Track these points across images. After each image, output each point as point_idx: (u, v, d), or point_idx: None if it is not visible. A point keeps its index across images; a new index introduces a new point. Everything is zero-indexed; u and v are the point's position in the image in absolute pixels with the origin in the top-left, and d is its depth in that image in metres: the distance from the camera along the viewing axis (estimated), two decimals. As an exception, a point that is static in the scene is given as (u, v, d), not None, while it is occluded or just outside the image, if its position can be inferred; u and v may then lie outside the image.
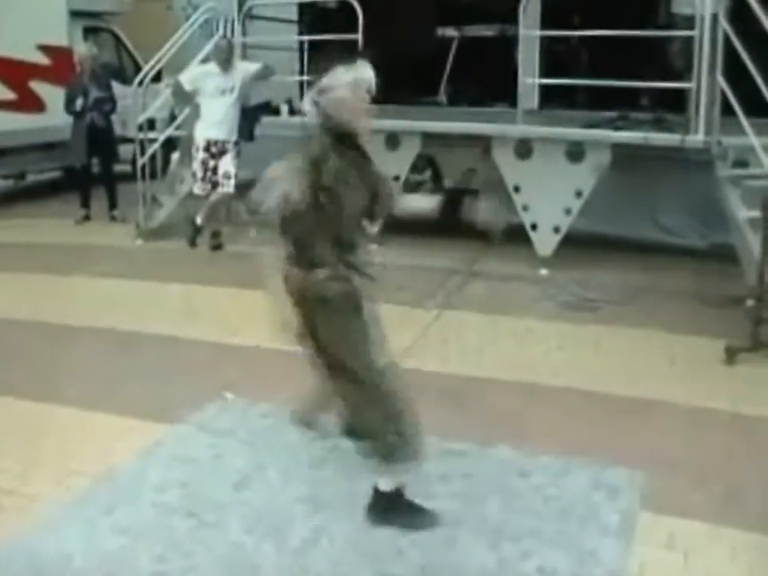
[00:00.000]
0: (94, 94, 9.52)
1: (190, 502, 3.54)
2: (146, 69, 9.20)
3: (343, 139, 3.17)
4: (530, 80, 7.84)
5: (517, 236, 7.59)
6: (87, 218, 9.81)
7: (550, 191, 7.25)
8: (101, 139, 9.57)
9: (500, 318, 5.99)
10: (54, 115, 10.58)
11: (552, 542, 3.27)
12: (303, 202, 3.08)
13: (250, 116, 8.43)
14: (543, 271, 7.16)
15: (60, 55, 11.09)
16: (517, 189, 7.41)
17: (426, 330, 5.77)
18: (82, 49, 10.06)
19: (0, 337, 5.81)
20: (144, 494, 3.62)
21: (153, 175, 9.03)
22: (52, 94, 10.72)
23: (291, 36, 9.69)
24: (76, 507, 3.59)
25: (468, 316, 6.07)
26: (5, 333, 5.89)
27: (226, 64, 8.04)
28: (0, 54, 10.47)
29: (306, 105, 3.21)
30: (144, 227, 8.83)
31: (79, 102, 9.42)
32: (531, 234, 7.36)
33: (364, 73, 3.15)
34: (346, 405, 3.45)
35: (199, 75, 8.19)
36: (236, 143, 8.11)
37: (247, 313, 5.55)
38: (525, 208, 7.38)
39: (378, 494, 3.39)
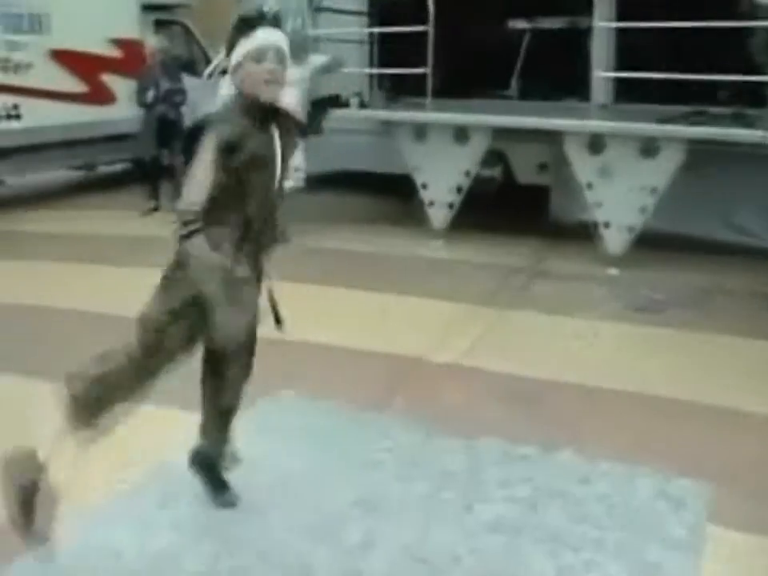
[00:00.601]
0: (165, 85, 9.67)
1: (243, 500, 3.53)
2: (215, 61, 9.28)
3: (262, 117, 2.85)
4: (603, 73, 7.68)
5: (588, 235, 7.49)
6: (155, 209, 9.95)
7: (623, 188, 7.07)
8: (171, 131, 9.69)
9: (565, 318, 5.87)
10: (125, 107, 10.79)
11: (614, 553, 3.18)
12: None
13: (318, 109, 8.43)
14: (613, 271, 6.99)
15: (131, 48, 11.30)
16: (589, 185, 7.26)
17: (489, 329, 5.69)
18: (153, 41, 10.22)
19: (57, 326, 5.92)
20: (197, 490, 3.62)
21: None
22: (122, 87, 10.93)
23: (361, 28, 9.67)
24: (128, 501, 3.61)
25: (533, 315, 5.96)
26: (61, 322, 6.00)
27: (296, 56, 8.04)
28: (73, 48, 10.71)
29: (224, 89, 3.07)
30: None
31: (150, 94, 9.57)
32: (603, 232, 7.20)
33: (267, 38, 2.76)
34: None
35: None
36: (304, 136, 8.11)
37: (310, 308, 5.53)
38: (598, 205, 7.23)
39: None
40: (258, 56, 2.71)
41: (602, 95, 8.10)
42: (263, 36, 2.71)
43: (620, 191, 7.12)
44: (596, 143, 7.17)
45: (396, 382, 4.81)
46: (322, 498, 3.57)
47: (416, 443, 4.06)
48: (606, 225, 7.20)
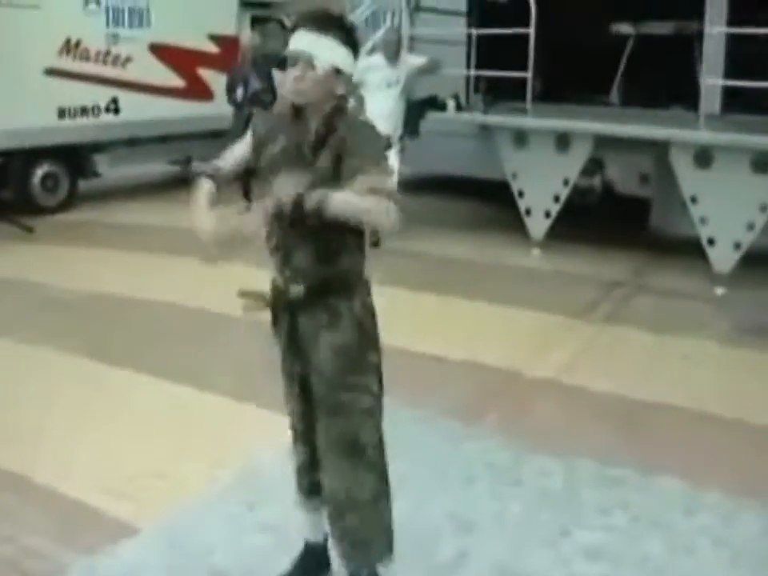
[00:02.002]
0: (254, 85, 9.74)
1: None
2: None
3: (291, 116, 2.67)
4: (715, 81, 7.47)
5: (690, 249, 7.30)
6: (248, 209, 10.05)
7: (731, 204, 6.87)
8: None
9: (669, 337, 5.72)
10: (222, 103, 10.93)
11: (722, 591, 3.08)
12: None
13: (415, 111, 8.42)
14: (719, 290, 6.79)
15: (229, 44, 11.47)
16: (694, 199, 7.06)
17: (588, 345, 5.59)
18: (245, 38, 10.35)
19: (158, 319, 6.05)
20: (288, 492, 3.63)
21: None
22: (219, 83, 11.06)
23: (460, 29, 9.61)
24: (220, 500, 3.67)
25: (634, 332, 5.83)
26: (164, 316, 6.13)
27: (393, 56, 8.06)
28: (172, 43, 10.95)
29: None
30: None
31: (239, 93, 9.67)
32: (708, 249, 7.00)
33: (295, 44, 2.57)
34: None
35: (365, 67, 8.25)
36: (400, 138, 8.12)
37: (402, 314, 5.52)
38: (702, 221, 7.03)
39: None
40: (290, 61, 2.60)
41: (712, 104, 7.86)
42: (293, 41, 2.57)
43: (727, 206, 6.91)
44: (704, 155, 6.98)
45: (491, 395, 4.77)
46: (416, 511, 3.54)
47: (512, 460, 4.00)
48: (711, 241, 7.00)
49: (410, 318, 5.77)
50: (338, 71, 2.56)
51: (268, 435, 4.16)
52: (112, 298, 6.58)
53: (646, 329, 5.87)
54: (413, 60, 8.31)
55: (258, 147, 2.75)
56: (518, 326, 5.92)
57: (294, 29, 2.59)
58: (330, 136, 2.56)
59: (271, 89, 9.91)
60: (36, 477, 3.84)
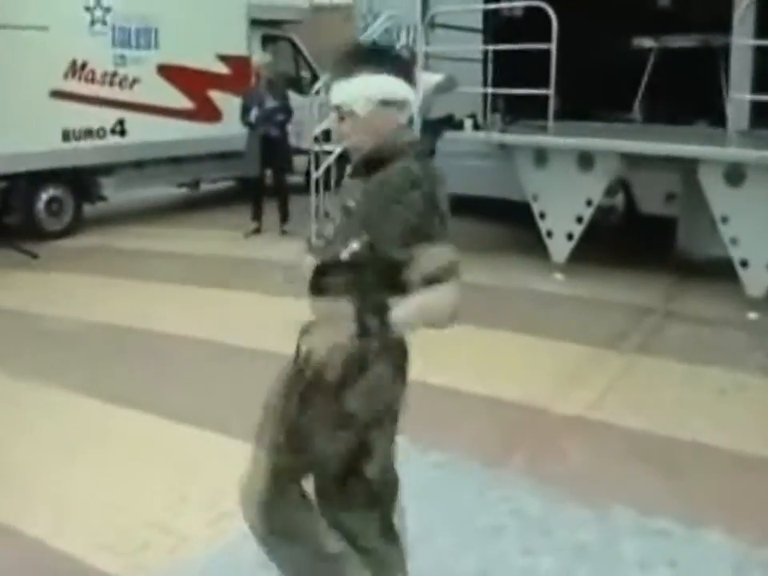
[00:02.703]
0: (270, 104, 9.56)
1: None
2: (323, 78, 9.14)
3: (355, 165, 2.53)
4: (744, 96, 7.20)
5: (721, 272, 7.01)
6: (258, 230, 9.86)
7: (764, 223, 6.57)
8: (275, 150, 9.58)
9: (704, 368, 5.42)
10: (230, 125, 10.79)
11: None
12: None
13: (430, 130, 8.18)
14: (752, 315, 6.48)
15: (239, 65, 11.33)
16: (725, 219, 6.77)
17: (619, 378, 5.29)
18: (258, 57, 10.17)
19: (161, 352, 5.79)
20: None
21: (327, 188, 8.95)
22: (229, 104, 10.95)
23: (476, 45, 9.39)
24: (228, 555, 3.38)
25: (667, 364, 5.53)
26: (168, 348, 5.86)
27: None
28: (181, 64, 10.78)
29: None
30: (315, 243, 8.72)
31: (253, 113, 9.47)
32: (740, 271, 6.69)
33: (336, 92, 2.47)
34: None
35: None
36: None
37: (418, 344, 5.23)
38: (733, 242, 6.73)
39: None
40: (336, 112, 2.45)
41: (740, 120, 7.59)
42: (335, 89, 2.43)
43: (761, 226, 6.62)
44: (735, 173, 6.69)
45: (516, 434, 4.48)
46: (438, 566, 3.26)
47: (542, 508, 3.72)
48: (744, 263, 6.70)
49: (425, 347, 5.46)
50: (385, 103, 2.39)
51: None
52: (114, 328, 6.33)
53: (679, 360, 5.57)
54: (428, 77, 8.07)
55: None
56: (541, 357, 5.63)
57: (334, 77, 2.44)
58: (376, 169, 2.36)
59: (286, 108, 9.70)
60: (26, 529, 3.58)
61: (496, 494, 3.83)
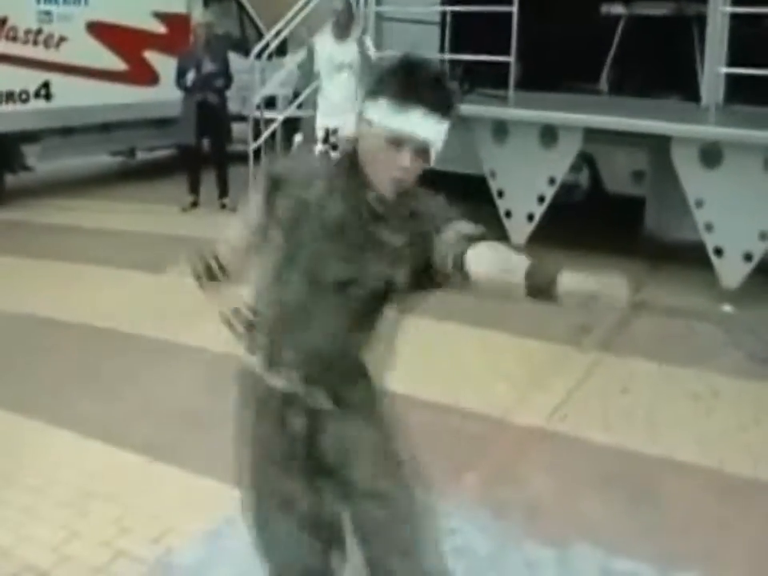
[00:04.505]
0: (207, 67, 8.92)
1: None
2: (266, 39, 8.55)
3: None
4: (723, 69, 6.77)
5: (694, 260, 6.60)
6: (195, 204, 9.28)
7: (741, 209, 6.15)
8: (212, 118, 8.97)
9: (675, 370, 4.99)
10: (169, 88, 10.12)
11: None
12: None
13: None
14: (726, 307, 6.07)
15: (177, 23, 10.66)
16: (699, 203, 6.33)
17: (582, 380, 4.84)
18: (197, 16, 9.50)
19: (89, 350, 5.23)
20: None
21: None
22: (167, 66, 10.27)
23: (433, 7, 8.85)
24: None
25: (634, 363, 5.09)
26: (96, 345, 5.31)
27: (341, 32, 7.22)
28: (113, 21, 10.08)
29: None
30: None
31: (190, 77, 8.85)
32: (714, 260, 6.28)
33: (414, 129, 2.05)
34: None
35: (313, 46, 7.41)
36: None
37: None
38: (708, 228, 6.31)
39: None
40: (396, 140, 1.98)
41: (714, 94, 7.16)
42: (414, 123, 1.97)
43: (737, 212, 6.20)
44: (711, 153, 6.26)
45: (468, 450, 4.01)
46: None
47: (492, 546, 3.25)
48: (719, 251, 6.28)
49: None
50: None
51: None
52: (35, 320, 5.74)
53: (647, 358, 5.14)
54: (369, 44, 7.53)
55: (285, 201, 2.11)
56: (502, 357, 5.17)
57: (401, 101, 1.97)
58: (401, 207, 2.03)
59: (225, 72, 9.08)
60: None
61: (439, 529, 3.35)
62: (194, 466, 3.74)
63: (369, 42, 7.64)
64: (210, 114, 8.92)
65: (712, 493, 3.70)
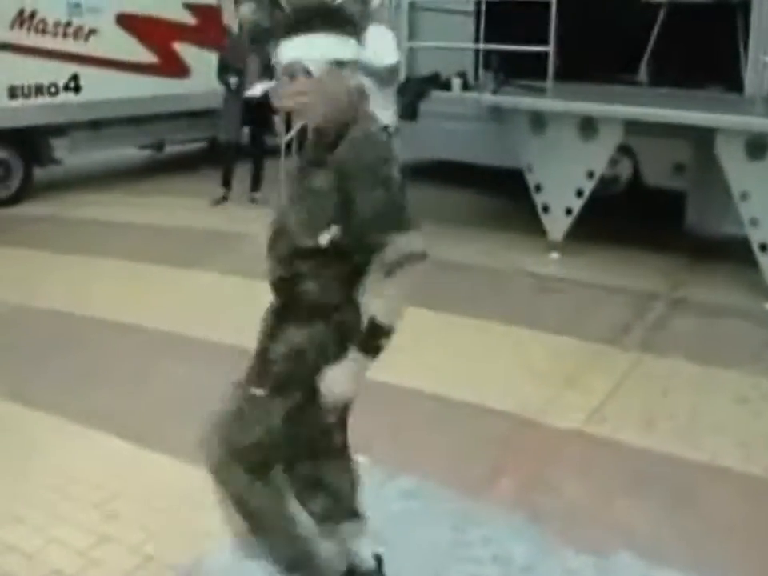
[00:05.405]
0: (253, 67, 8.88)
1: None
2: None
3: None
4: (763, 58, 6.62)
5: (737, 256, 6.46)
6: (225, 198, 9.25)
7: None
8: (256, 111, 8.93)
9: (719, 371, 4.86)
10: (199, 81, 10.14)
11: None
12: None
13: (412, 90, 7.56)
14: (772, 306, 5.95)
15: (208, 15, 10.62)
16: (744, 196, 6.20)
17: (622, 381, 4.72)
18: (244, 11, 9.39)
19: (105, 346, 5.20)
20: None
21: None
22: (197, 58, 10.33)
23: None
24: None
25: (676, 364, 4.96)
26: (113, 341, 5.27)
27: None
28: (142, 13, 10.06)
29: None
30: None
31: (233, 81, 8.83)
32: (759, 255, 6.14)
33: (290, 52, 2.34)
34: None
35: None
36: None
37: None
38: (753, 222, 6.17)
39: None
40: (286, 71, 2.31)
41: (758, 84, 7.01)
42: (284, 46, 2.29)
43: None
44: (757, 144, 6.11)
45: (503, 454, 3.93)
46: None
47: (529, 554, 3.17)
48: (764, 247, 6.14)
49: (398, 341, 4.91)
50: (339, 63, 2.28)
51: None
52: (53, 314, 5.74)
53: (691, 359, 5.00)
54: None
55: None
56: (535, 356, 5.05)
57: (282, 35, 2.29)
58: (329, 150, 2.29)
59: (267, 68, 9.01)
60: None
61: (476, 534, 3.27)
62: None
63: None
64: (254, 108, 8.87)
65: (756, 501, 3.59)
